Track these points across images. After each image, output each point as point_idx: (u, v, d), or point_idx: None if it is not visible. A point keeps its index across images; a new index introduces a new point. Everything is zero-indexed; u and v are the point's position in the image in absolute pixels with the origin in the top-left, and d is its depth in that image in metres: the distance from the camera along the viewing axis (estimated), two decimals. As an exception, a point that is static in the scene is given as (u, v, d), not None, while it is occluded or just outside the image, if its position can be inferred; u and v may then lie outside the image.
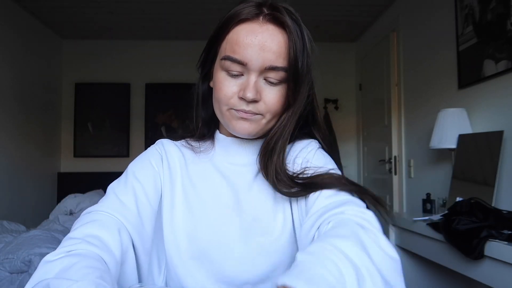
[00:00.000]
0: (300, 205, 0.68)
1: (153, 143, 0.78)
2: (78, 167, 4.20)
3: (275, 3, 0.66)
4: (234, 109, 0.66)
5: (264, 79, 0.66)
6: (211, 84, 0.73)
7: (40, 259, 1.75)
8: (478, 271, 1.55)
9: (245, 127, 0.67)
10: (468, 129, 2.21)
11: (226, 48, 0.66)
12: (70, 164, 4.21)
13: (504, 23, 1.98)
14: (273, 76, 0.65)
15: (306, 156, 0.72)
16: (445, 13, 2.54)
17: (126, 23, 3.84)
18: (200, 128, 0.76)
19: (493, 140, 1.98)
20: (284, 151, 0.69)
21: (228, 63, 0.65)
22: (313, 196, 0.64)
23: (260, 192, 0.71)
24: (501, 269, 1.42)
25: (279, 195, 0.69)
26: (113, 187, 0.68)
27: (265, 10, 0.65)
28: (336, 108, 4.30)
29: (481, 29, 2.17)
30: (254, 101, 0.65)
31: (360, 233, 0.51)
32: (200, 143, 0.76)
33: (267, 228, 0.69)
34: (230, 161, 0.74)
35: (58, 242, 1.98)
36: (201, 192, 0.71)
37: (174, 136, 0.79)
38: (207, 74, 0.74)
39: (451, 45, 2.46)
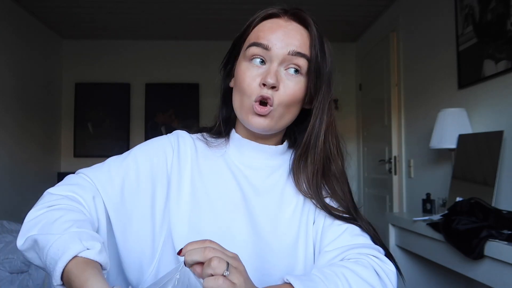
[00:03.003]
0: (317, 224, 0.72)
1: None
2: (78, 167, 4.14)
3: (299, 8, 0.71)
4: (255, 102, 0.67)
5: (285, 70, 0.68)
6: (231, 84, 0.75)
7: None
8: (478, 271, 1.55)
9: (260, 122, 0.67)
10: (468, 129, 2.21)
11: (251, 38, 0.69)
12: (70, 164, 4.21)
13: (504, 23, 1.98)
14: (295, 63, 0.67)
15: None
16: (445, 13, 2.54)
17: (126, 23, 3.84)
18: (218, 126, 0.78)
19: (493, 140, 1.98)
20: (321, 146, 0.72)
21: (252, 50, 0.67)
22: (339, 228, 0.69)
23: (268, 197, 0.73)
24: (501, 269, 1.42)
25: (288, 204, 0.73)
26: (111, 159, 0.73)
27: (288, 10, 0.70)
28: (336, 108, 4.29)
29: (481, 29, 2.17)
30: (273, 88, 0.66)
31: (374, 281, 0.59)
32: (215, 139, 0.77)
33: (273, 231, 0.70)
34: (242, 162, 0.75)
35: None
36: (209, 186, 0.72)
37: (192, 129, 0.81)
38: (229, 74, 0.76)
39: (451, 45, 2.46)
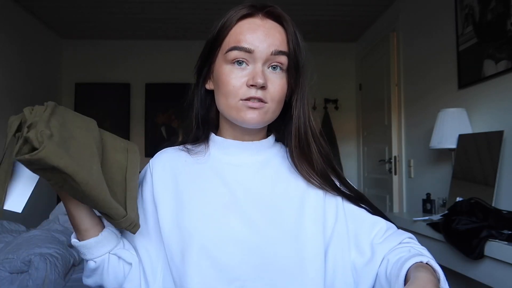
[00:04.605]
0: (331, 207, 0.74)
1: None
2: (78, 167, 4.19)
3: (267, 3, 0.72)
4: (243, 99, 0.68)
5: (269, 67, 0.69)
6: (208, 86, 0.76)
7: (40, 259, 1.74)
8: (478, 271, 1.55)
9: (254, 117, 0.68)
10: (468, 129, 2.21)
11: (230, 41, 0.69)
12: (70, 164, 4.21)
13: (504, 23, 1.98)
14: (278, 61, 0.69)
15: None
16: (445, 13, 2.54)
17: (126, 23, 3.84)
18: (195, 131, 0.78)
19: (493, 140, 1.98)
20: (318, 137, 0.75)
21: (234, 54, 0.68)
22: (376, 225, 0.73)
23: (260, 191, 0.72)
24: (501, 269, 1.42)
25: (284, 194, 0.73)
26: None
27: (262, 8, 0.71)
28: (336, 108, 4.30)
29: (481, 29, 2.17)
30: (263, 88, 0.67)
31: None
32: (195, 146, 0.78)
33: (270, 224, 0.69)
34: (228, 162, 0.75)
35: (58, 242, 1.98)
36: (197, 193, 0.72)
37: (176, 141, 0.82)
38: (205, 78, 0.77)
39: (451, 45, 2.46)
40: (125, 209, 0.63)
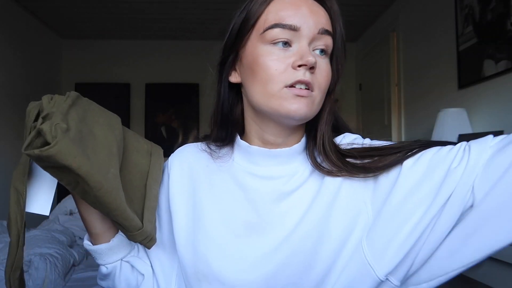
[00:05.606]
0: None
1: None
2: (78, 167, 4.19)
3: None
4: (288, 86, 0.56)
5: (313, 50, 0.59)
6: (233, 79, 0.64)
7: (40, 259, 1.74)
8: (478, 271, 1.55)
9: (302, 107, 0.56)
10: (468, 129, 2.21)
11: (268, 19, 0.58)
12: (70, 164, 4.21)
13: (504, 23, 1.98)
14: (324, 43, 0.59)
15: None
16: (445, 13, 2.54)
17: (126, 23, 3.84)
18: (218, 131, 0.67)
19: (493, 140, 1.98)
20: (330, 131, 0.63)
21: (275, 33, 0.57)
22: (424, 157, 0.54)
23: (291, 210, 0.59)
24: (501, 269, 1.42)
25: (311, 203, 0.59)
26: None
27: None
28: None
29: (481, 29, 2.17)
30: (312, 70, 0.57)
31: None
32: (219, 148, 0.66)
33: (304, 256, 0.56)
34: (252, 171, 0.63)
35: (58, 242, 1.98)
36: (214, 208, 0.62)
37: (204, 136, 0.71)
38: (228, 70, 0.64)
39: (451, 45, 2.46)
40: (141, 220, 0.56)
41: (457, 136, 2.21)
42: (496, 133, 1.92)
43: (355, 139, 0.64)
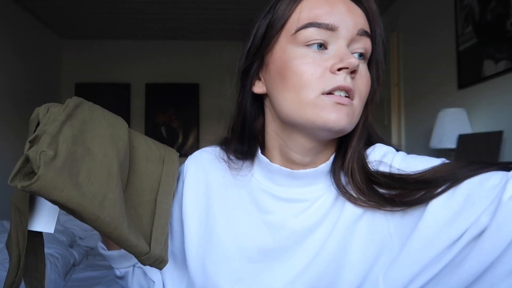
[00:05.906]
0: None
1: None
2: (78, 167, 4.19)
3: None
4: (326, 93, 0.49)
5: (352, 53, 0.52)
6: (256, 90, 0.56)
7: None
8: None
9: (342, 117, 0.48)
10: (468, 129, 2.21)
11: (301, 18, 0.50)
12: (70, 164, 4.21)
13: (504, 23, 1.98)
14: (363, 46, 0.51)
15: (393, 166, 0.53)
16: (445, 13, 2.54)
17: (126, 23, 3.84)
18: (238, 144, 0.60)
19: (493, 140, 1.98)
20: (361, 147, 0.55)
21: (309, 33, 0.49)
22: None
23: (310, 236, 0.53)
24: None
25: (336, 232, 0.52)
26: None
27: None
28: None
29: (481, 29, 2.17)
30: (353, 74, 0.50)
31: None
32: (238, 160, 0.60)
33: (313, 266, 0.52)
34: (271, 191, 0.56)
35: (58, 242, 1.98)
36: (229, 228, 0.57)
37: (224, 140, 0.64)
38: (252, 79, 0.57)
39: (451, 45, 2.46)
40: (149, 243, 0.50)
41: (457, 136, 2.21)
42: (496, 133, 1.91)
43: (385, 153, 0.56)
